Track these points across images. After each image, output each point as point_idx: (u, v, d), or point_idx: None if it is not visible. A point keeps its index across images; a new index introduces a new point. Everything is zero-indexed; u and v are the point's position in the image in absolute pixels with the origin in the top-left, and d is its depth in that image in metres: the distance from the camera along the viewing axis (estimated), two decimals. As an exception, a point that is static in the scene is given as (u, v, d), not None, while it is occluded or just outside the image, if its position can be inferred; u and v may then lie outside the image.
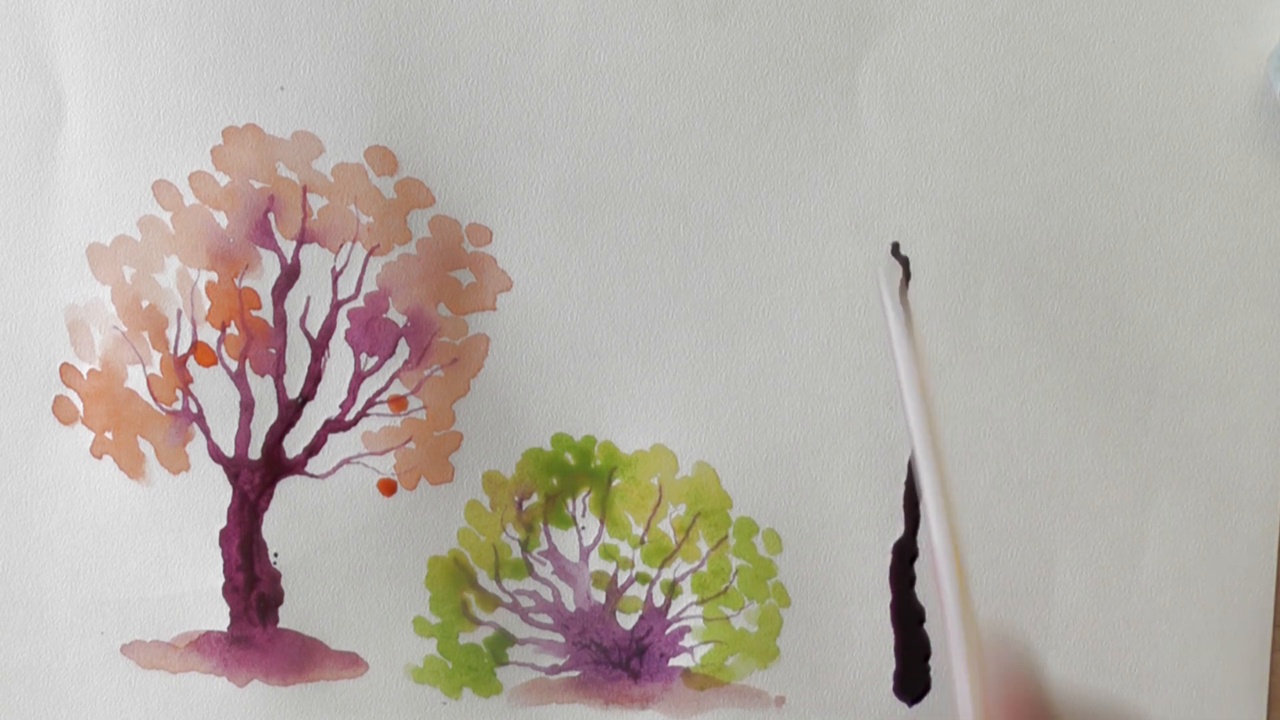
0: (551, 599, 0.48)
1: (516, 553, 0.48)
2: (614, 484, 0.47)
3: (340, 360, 0.46)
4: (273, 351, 0.46)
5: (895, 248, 0.45)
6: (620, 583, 0.48)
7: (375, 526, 0.47)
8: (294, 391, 0.46)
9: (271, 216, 0.45)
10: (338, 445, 0.47)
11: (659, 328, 0.46)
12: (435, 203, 0.45)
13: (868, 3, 0.43)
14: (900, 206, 0.45)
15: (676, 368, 0.46)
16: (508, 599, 0.48)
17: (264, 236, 0.45)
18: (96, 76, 0.44)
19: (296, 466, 0.47)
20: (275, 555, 0.47)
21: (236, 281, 0.46)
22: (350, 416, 0.47)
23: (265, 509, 0.47)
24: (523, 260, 0.45)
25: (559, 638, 0.48)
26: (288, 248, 0.46)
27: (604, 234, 0.45)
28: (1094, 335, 0.45)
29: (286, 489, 0.47)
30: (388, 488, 0.47)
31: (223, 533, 0.47)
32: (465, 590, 0.48)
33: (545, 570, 0.48)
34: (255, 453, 0.47)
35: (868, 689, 0.48)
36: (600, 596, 0.48)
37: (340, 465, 0.47)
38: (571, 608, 0.48)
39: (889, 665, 0.47)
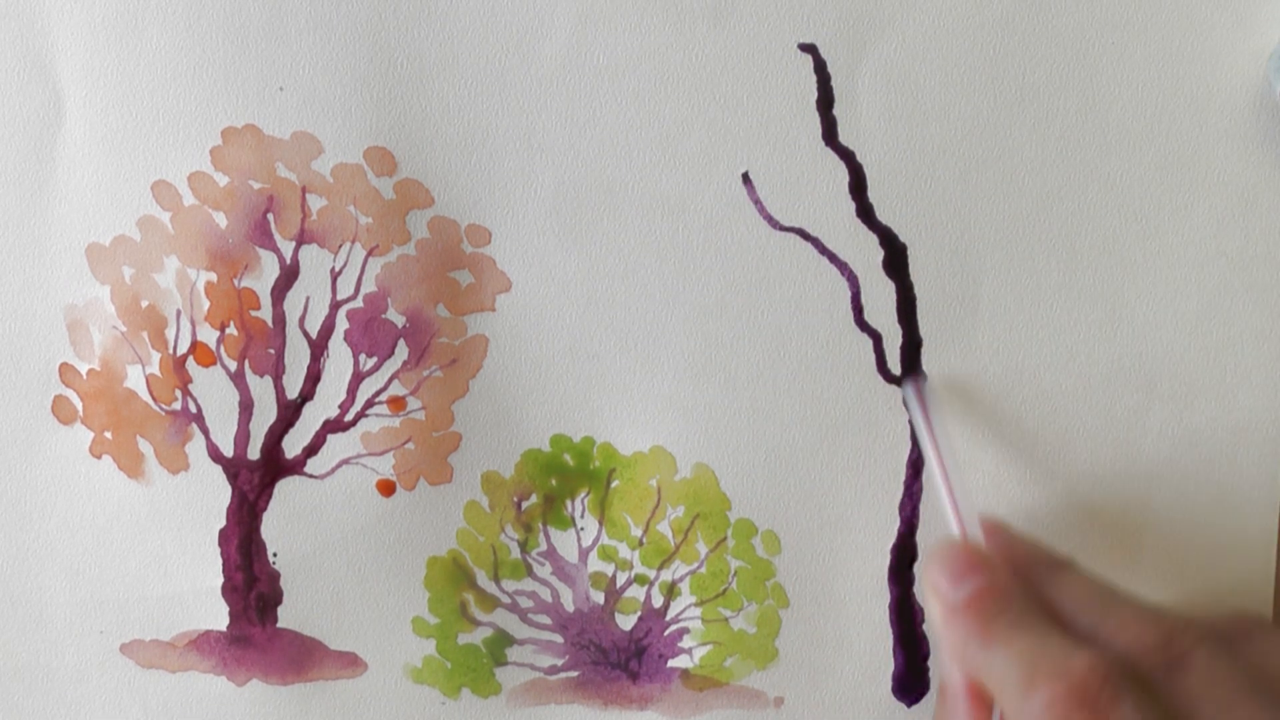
0: (550, 600, 0.48)
1: (515, 553, 0.48)
2: (613, 485, 0.47)
3: (339, 361, 0.46)
4: (272, 352, 0.46)
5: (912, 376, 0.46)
6: (619, 584, 0.48)
7: (374, 527, 0.47)
8: (293, 392, 0.46)
9: (271, 217, 0.45)
10: (337, 446, 0.47)
11: (658, 329, 0.46)
12: (434, 203, 0.45)
13: (868, 3, 0.43)
14: (900, 206, 0.45)
15: (675, 369, 0.46)
16: (507, 599, 0.48)
17: (263, 237, 0.45)
18: (96, 76, 0.44)
19: (295, 467, 0.47)
20: (274, 555, 0.48)
21: (236, 282, 0.46)
22: (349, 417, 0.47)
23: (264, 509, 0.47)
24: (522, 261, 0.45)
25: (558, 638, 0.48)
26: (287, 248, 0.46)
27: (603, 235, 0.45)
28: (1093, 335, 0.45)
29: (285, 489, 0.47)
30: (387, 488, 0.47)
31: (222, 532, 0.47)
32: (464, 591, 0.48)
33: (544, 571, 0.48)
34: (254, 453, 0.47)
35: (866, 690, 0.48)
36: (599, 597, 0.48)
37: (339, 466, 0.47)
38: (570, 608, 0.48)
39: (888, 666, 0.48)
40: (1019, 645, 0.38)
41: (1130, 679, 0.36)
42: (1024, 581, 0.41)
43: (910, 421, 0.46)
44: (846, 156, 0.44)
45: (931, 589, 0.41)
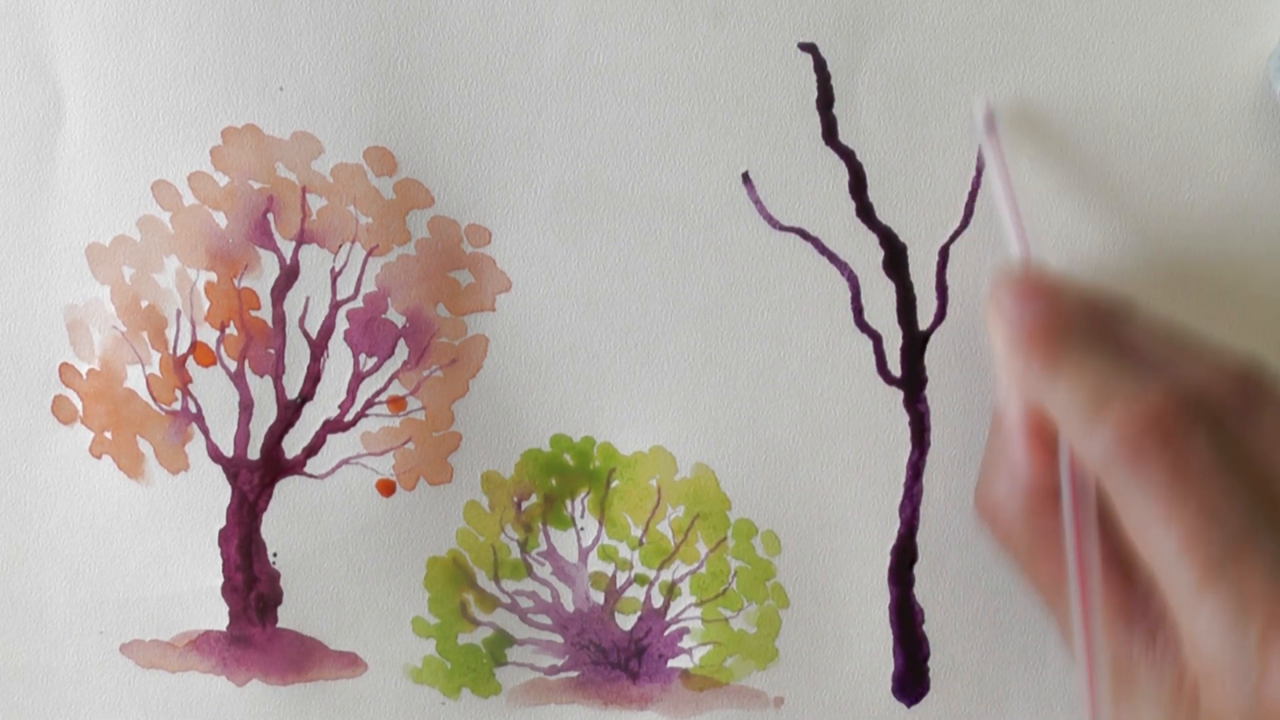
0: (550, 600, 0.48)
1: (515, 553, 0.48)
2: (613, 485, 0.47)
3: (339, 361, 0.46)
4: (272, 352, 0.46)
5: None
6: (619, 584, 0.48)
7: (374, 527, 0.47)
8: (293, 392, 0.46)
9: (270, 217, 0.45)
10: (337, 446, 0.47)
11: (658, 329, 0.46)
12: (434, 203, 0.45)
13: (868, 3, 0.43)
14: (900, 206, 0.45)
15: (676, 369, 0.46)
16: (506, 599, 0.48)
17: (263, 237, 0.45)
18: (96, 76, 0.45)
19: (295, 467, 0.47)
20: (274, 555, 0.47)
21: (236, 282, 0.46)
22: (349, 417, 0.47)
23: (264, 509, 0.47)
24: (522, 261, 0.45)
25: (558, 638, 0.48)
26: (287, 248, 0.46)
27: (603, 235, 0.45)
28: (1094, 336, 0.45)
29: (285, 489, 0.47)
30: (386, 488, 0.47)
31: (222, 533, 0.47)
32: (464, 591, 0.48)
33: (544, 571, 0.48)
34: (254, 453, 0.47)
35: (867, 690, 0.48)
36: (599, 597, 0.48)
37: (339, 466, 0.47)
38: (570, 608, 0.48)
39: (888, 666, 0.47)
40: (1089, 369, 0.36)
41: (1205, 411, 0.35)
42: (1092, 313, 0.38)
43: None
44: (846, 156, 0.44)
45: (995, 312, 0.38)
